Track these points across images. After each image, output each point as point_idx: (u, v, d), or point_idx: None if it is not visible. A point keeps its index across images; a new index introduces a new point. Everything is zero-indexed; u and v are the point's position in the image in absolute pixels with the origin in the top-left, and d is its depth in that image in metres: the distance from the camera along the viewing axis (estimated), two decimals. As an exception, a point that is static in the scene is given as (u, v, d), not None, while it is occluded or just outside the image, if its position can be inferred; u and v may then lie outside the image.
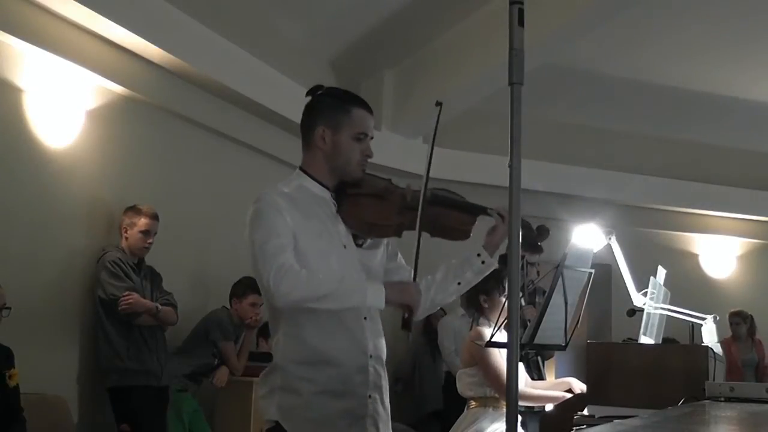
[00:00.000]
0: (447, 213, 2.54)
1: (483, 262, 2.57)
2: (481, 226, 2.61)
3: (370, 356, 2.45)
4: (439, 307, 2.76)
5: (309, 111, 2.52)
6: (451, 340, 6.22)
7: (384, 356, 2.53)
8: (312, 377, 2.38)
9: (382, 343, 2.53)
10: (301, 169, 2.54)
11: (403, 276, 2.62)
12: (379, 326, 2.52)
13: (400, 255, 2.68)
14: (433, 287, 2.59)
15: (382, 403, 2.50)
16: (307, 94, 2.54)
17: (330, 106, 2.49)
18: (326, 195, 2.49)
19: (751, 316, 7.76)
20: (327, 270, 2.38)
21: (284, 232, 2.37)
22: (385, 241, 2.60)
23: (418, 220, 2.42)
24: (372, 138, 2.52)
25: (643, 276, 4.05)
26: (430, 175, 2.52)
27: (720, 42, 6.84)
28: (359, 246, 2.49)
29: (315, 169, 2.50)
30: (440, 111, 2.54)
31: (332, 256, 2.41)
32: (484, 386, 3.75)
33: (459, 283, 2.59)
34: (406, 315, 2.39)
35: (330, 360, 2.39)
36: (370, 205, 2.48)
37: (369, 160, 2.52)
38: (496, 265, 2.61)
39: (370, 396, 2.44)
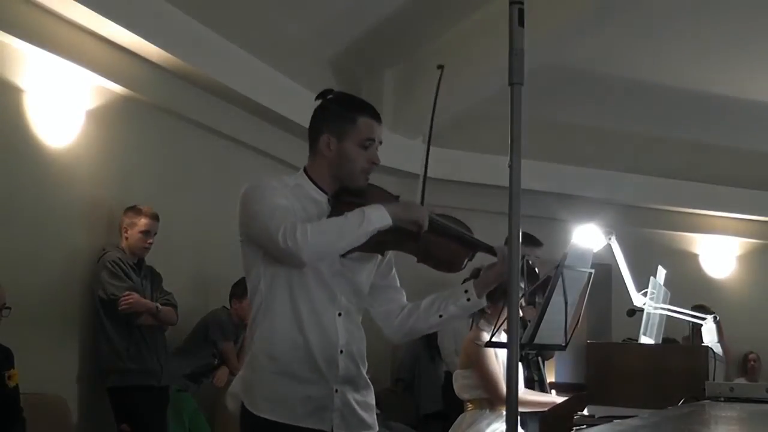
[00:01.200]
0: (439, 241, 2.44)
1: (468, 300, 2.51)
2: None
3: (341, 351, 2.42)
4: (417, 336, 2.70)
5: (316, 117, 2.51)
6: (451, 339, 6.22)
7: (359, 355, 2.48)
8: (276, 356, 2.38)
9: (359, 342, 2.49)
10: (304, 170, 2.53)
11: (390, 296, 2.60)
12: (356, 325, 2.50)
13: (395, 273, 2.63)
14: (415, 314, 2.56)
15: (358, 401, 2.46)
16: (317, 98, 2.52)
17: (336, 113, 2.46)
18: (323, 199, 2.46)
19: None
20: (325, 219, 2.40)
21: (285, 202, 2.37)
22: (378, 258, 2.55)
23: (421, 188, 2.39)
24: (381, 143, 2.49)
25: (643, 276, 4.04)
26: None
27: (720, 42, 6.84)
28: (342, 256, 2.42)
29: (317, 174, 2.48)
30: (441, 74, 2.51)
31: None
32: (479, 388, 3.74)
33: (441, 316, 2.54)
34: (416, 231, 2.36)
35: (298, 344, 2.38)
36: None
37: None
38: (483, 305, 2.55)
39: (337, 390, 2.41)
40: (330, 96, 2.51)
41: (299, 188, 2.47)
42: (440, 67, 2.53)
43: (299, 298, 2.39)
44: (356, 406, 2.45)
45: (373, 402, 2.54)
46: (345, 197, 2.45)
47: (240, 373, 2.47)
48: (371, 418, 2.50)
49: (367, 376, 2.52)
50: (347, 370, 2.43)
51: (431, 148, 2.60)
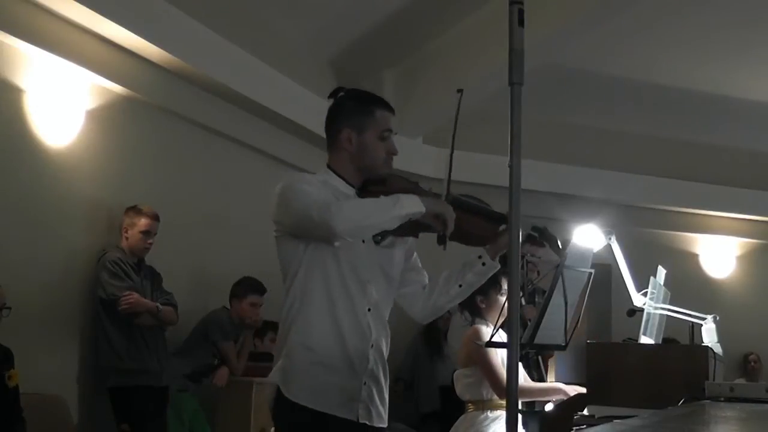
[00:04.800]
0: (468, 218, 2.57)
1: (484, 264, 2.64)
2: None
3: (372, 345, 2.53)
4: (442, 311, 2.83)
5: (333, 113, 2.62)
6: (459, 339, 6.24)
7: (385, 352, 2.60)
8: (312, 347, 2.47)
9: (385, 338, 2.60)
10: (328, 167, 2.62)
11: (414, 277, 2.71)
12: (384, 321, 2.60)
13: (416, 256, 2.75)
14: (436, 291, 2.70)
15: (379, 395, 2.57)
16: (330, 96, 2.63)
17: (353, 108, 2.58)
18: (350, 192, 2.57)
19: None
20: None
21: (319, 190, 2.48)
22: (404, 241, 2.67)
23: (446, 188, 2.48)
24: (396, 134, 2.62)
25: (643, 276, 4.04)
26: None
27: (720, 42, 6.84)
28: (377, 243, 2.56)
29: (342, 169, 2.59)
30: (461, 98, 2.58)
31: (349, 248, 2.49)
32: (481, 388, 3.73)
33: (460, 286, 2.67)
34: (440, 230, 2.45)
35: (333, 337, 2.48)
36: None
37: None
38: (497, 267, 2.66)
39: (365, 383, 2.51)
40: (342, 94, 2.62)
41: (327, 184, 2.56)
42: (459, 91, 2.60)
43: (335, 292, 2.49)
44: (377, 400, 2.56)
45: (387, 399, 2.63)
46: (371, 187, 2.57)
47: (278, 364, 2.53)
48: (385, 413, 2.61)
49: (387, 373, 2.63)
50: (375, 365, 2.55)
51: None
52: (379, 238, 2.56)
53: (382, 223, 2.43)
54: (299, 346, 2.48)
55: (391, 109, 2.61)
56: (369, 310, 2.53)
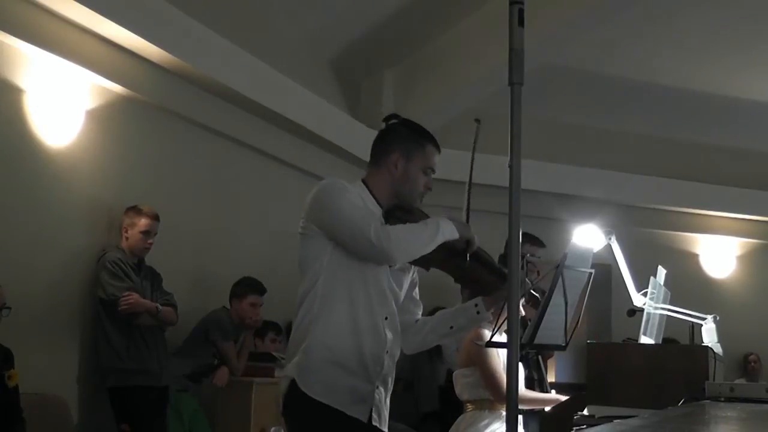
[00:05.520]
0: (475, 265, 2.64)
1: (478, 312, 2.74)
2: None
3: (387, 352, 2.60)
4: (429, 347, 2.95)
5: (386, 135, 2.72)
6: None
7: (397, 357, 2.67)
8: (330, 347, 2.52)
9: (398, 346, 2.68)
10: (363, 182, 2.69)
11: (411, 308, 2.80)
12: (397, 330, 2.67)
13: (417, 289, 2.83)
14: (428, 326, 2.79)
15: (386, 400, 2.64)
16: (384, 120, 2.75)
17: (407, 136, 2.69)
18: (378, 212, 2.63)
19: None
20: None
21: (362, 204, 2.57)
22: (412, 269, 2.75)
23: (467, 207, 2.65)
24: (434, 173, 2.73)
25: (643, 276, 4.04)
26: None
27: (720, 42, 6.84)
28: (389, 266, 2.63)
29: (377, 188, 2.67)
30: (478, 128, 2.73)
31: (367, 265, 2.55)
32: (480, 388, 3.73)
33: (451, 328, 2.78)
34: (463, 247, 2.57)
35: (351, 340, 2.54)
36: None
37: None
38: (489, 319, 2.77)
39: (378, 387, 2.58)
40: (395, 120, 2.72)
41: (360, 198, 2.62)
42: (477, 121, 2.72)
43: (357, 297, 2.55)
44: (385, 405, 2.64)
45: (389, 404, 2.70)
46: (397, 213, 2.64)
47: (295, 359, 2.57)
48: (387, 417, 2.67)
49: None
50: (388, 370, 2.62)
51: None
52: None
53: (427, 249, 2.51)
54: (318, 344, 2.52)
55: (439, 149, 2.71)
56: (386, 318, 2.61)
